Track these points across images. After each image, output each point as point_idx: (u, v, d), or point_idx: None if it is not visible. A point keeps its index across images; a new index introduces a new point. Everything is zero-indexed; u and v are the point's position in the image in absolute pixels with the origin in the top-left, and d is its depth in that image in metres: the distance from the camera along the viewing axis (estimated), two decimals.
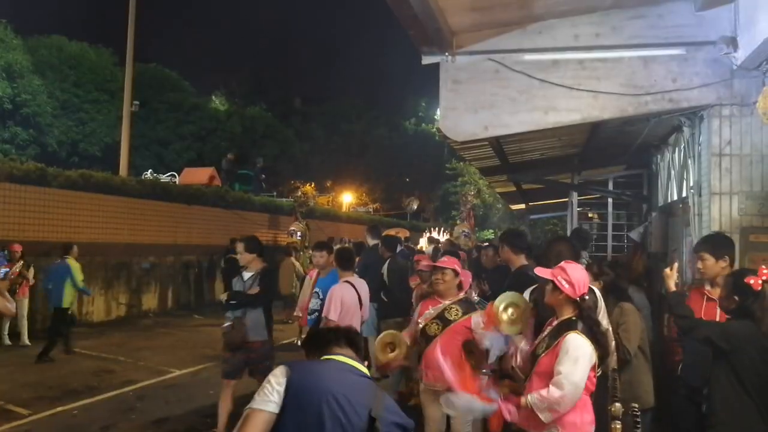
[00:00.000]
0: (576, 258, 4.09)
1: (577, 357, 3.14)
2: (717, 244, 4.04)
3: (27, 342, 10.36)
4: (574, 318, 3.31)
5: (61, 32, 24.86)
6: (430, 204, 38.01)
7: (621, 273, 4.89)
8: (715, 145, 5.59)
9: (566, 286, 3.32)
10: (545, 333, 3.48)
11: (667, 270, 3.85)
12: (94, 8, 37.63)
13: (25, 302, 10.39)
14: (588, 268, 4.26)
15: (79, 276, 9.86)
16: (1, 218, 11.13)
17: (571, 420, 3.19)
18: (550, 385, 3.13)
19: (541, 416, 3.14)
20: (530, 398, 3.20)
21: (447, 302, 4.57)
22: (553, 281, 3.37)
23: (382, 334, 5.00)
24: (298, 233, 17.72)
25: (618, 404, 3.40)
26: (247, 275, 5.94)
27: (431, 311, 4.61)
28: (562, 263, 3.46)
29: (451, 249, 9.55)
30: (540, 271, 3.52)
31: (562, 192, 12.51)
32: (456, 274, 4.58)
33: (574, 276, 3.33)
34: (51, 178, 12.24)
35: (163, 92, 27.01)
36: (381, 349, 4.73)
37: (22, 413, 6.82)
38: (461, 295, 4.60)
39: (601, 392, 3.50)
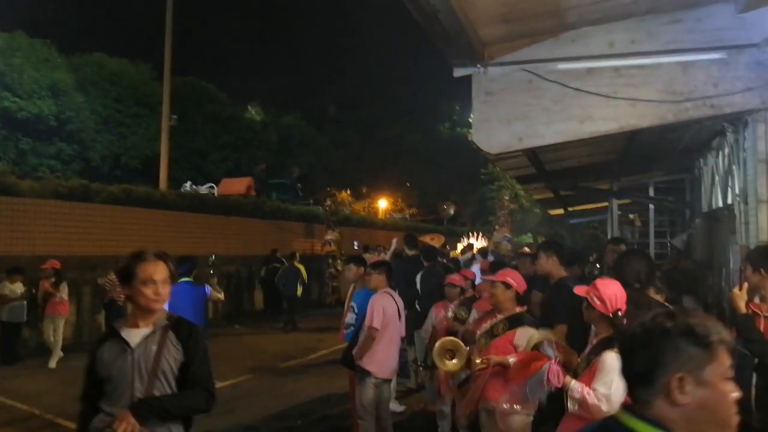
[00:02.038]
0: (654, 275, 4.01)
1: (613, 377, 3.10)
2: (758, 255, 3.91)
3: (53, 365, 9.91)
4: (611, 336, 3.27)
5: (101, 50, 25.64)
6: (467, 209, 37.76)
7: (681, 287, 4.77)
8: (762, 151, 5.40)
9: (598, 302, 3.31)
10: (586, 352, 3.45)
11: (736, 290, 3.67)
12: (133, 25, 38.66)
13: (60, 322, 10.21)
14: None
15: (305, 275, 14.96)
16: (48, 234, 11.48)
17: None
18: (593, 392, 3.13)
19: (569, 403, 3.21)
20: (573, 383, 3.23)
21: (500, 317, 4.45)
22: (586, 299, 3.36)
23: (441, 340, 4.69)
24: (357, 244, 18.01)
25: None
26: (137, 335, 2.90)
27: (486, 326, 4.55)
28: (597, 281, 3.45)
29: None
30: (578, 290, 3.50)
31: (601, 197, 12.28)
32: (508, 286, 4.43)
33: (606, 292, 3.31)
34: (94, 194, 12.57)
35: (200, 104, 27.54)
36: (440, 356, 4.51)
37: (71, 426, 6.94)
38: (517, 309, 4.44)
39: None
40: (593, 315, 3.36)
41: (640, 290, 3.65)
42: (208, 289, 7.63)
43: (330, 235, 18.21)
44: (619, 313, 3.27)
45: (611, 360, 3.14)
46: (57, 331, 10.12)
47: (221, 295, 8.27)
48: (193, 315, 6.65)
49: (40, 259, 10.79)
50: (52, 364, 9.97)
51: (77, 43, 24.58)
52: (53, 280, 10.11)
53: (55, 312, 10.17)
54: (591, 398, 3.14)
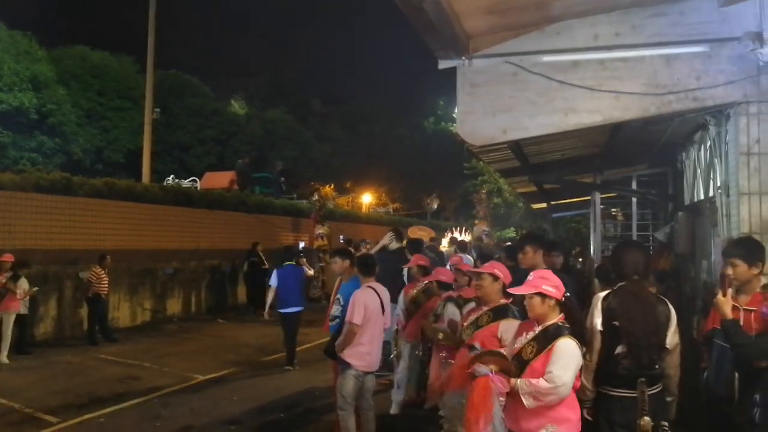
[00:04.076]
0: (650, 267, 4.01)
1: (569, 360, 3.31)
2: (751, 249, 3.83)
3: (5, 360, 9.69)
4: (560, 323, 3.44)
5: (84, 42, 25.34)
6: (451, 203, 37.87)
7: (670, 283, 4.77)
8: (743, 144, 5.43)
9: (553, 290, 3.44)
10: (529, 337, 3.55)
11: (720, 296, 3.60)
12: (116, 18, 38.18)
13: (11, 318, 9.91)
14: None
15: None
16: (30, 227, 11.32)
17: (566, 416, 3.38)
18: (541, 379, 3.31)
19: (525, 400, 3.34)
20: (519, 381, 3.38)
21: (485, 308, 4.49)
22: (540, 292, 3.46)
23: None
24: (342, 238, 18.03)
25: (647, 418, 3.31)
26: None
27: (472, 317, 4.57)
28: (534, 272, 3.62)
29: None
30: (517, 291, 3.62)
31: (584, 190, 12.35)
32: (495, 278, 4.45)
33: (553, 279, 3.50)
34: (76, 187, 12.39)
35: (183, 98, 27.34)
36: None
37: (51, 421, 6.93)
38: (502, 301, 4.45)
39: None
40: (550, 305, 3.46)
41: (639, 282, 3.64)
42: (305, 269, 10.65)
43: (321, 230, 18.17)
44: (567, 295, 3.47)
45: (566, 345, 3.35)
46: (7, 326, 9.85)
47: (311, 272, 11.79)
48: (298, 291, 9.83)
49: (21, 252, 10.65)
50: (4, 358, 9.75)
51: (59, 36, 24.33)
52: (10, 274, 9.85)
53: (9, 308, 9.89)
54: (543, 383, 3.29)
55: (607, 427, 3.54)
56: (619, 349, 3.52)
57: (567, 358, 3.31)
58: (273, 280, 9.65)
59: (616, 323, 3.53)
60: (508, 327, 4.25)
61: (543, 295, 3.46)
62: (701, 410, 4.09)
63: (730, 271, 3.75)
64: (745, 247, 3.86)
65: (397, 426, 6.62)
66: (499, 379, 3.43)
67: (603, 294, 3.71)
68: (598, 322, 3.58)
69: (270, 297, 9.60)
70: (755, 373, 3.44)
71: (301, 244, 15.91)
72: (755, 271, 3.74)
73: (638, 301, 3.51)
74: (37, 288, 10.72)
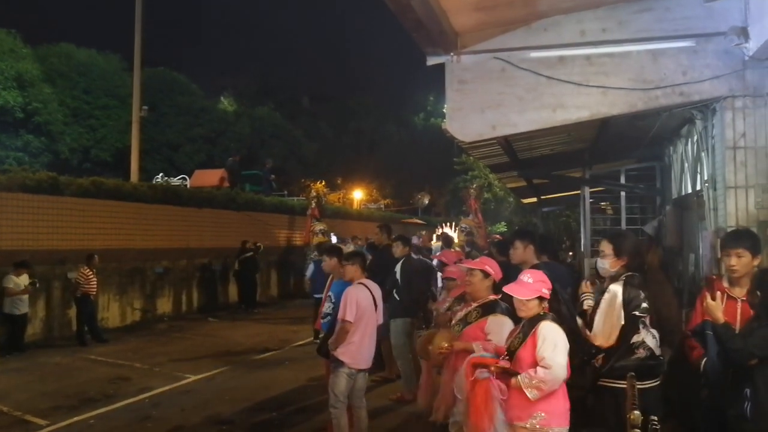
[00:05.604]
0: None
1: (556, 341, 3.45)
2: (755, 241, 3.82)
3: None
4: (542, 313, 3.60)
5: (69, 40, 25.11)
6: (441, 199, 37.95)
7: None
8: (729, 138, 5.48)
9: (548, 293, 3.63)
10: (517, 331, 3.73)
11: (710, 300, 3.58)
12: (102, 15, 37.86)
13: None
14: None
15: None
16: (17, 228, 11.22)
17: (555, 404, 3.49)
18: (538, 366, 3.43)
19: (529, 393, 3.42)
20: (519, 377, 3.48)
21: (474, 305, 4.49)
22: (540, 296, 3.61)
23: (426, 333, 5.25)
24: (334, 235, 18.05)
25: (637, 412, 3.33)
26: None
27: (461, 314, 4.58)
28: (532, 273, 3.75)
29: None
30: (519, 294, 3.63)
31: (574, 185, 12.41)
32: (486, 275, 4.46)
33: (548, 282, 3.67)
34: (63, 186, 12.30)
35: (172, 96, 27.11)
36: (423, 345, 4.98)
37: (40, 423, 6.87)
38: (490, 297, 4.45)
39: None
40: (541, 307, 3.61)
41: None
42: None
43: (320, 226, 18.17)
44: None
45: (549, 327, 3.51)
46: None
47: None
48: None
49: (7, 253, 10.56)
50: None
51: (44, 33, 24.12)
52: None
53: None
54: (540, 371, 3.41)
55: (614, 419, 3.61)
56: (634, 339, 3.62)
57: (551, 338, 3.45)
58: (309, 271, 11.24)
59: (636, 313, 3.65)
60: (494, 321, 4.28)
61: (541, 298, 3.61)
62: (694, 403, 4.11)
63: (734, 261, 3.69)
64: (751, 239, 3.83)
65: (389, 424, 6.64)
66: (498, 383, 3.56)
67: (619, 286, 3.74)
68: (621, 313, 3.64)
69: (309, 285, 11.59)
70: (746, 368, 3.47)
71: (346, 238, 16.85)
72: (756, 262, 3.73)
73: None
74: (36, 284, 10.76)
